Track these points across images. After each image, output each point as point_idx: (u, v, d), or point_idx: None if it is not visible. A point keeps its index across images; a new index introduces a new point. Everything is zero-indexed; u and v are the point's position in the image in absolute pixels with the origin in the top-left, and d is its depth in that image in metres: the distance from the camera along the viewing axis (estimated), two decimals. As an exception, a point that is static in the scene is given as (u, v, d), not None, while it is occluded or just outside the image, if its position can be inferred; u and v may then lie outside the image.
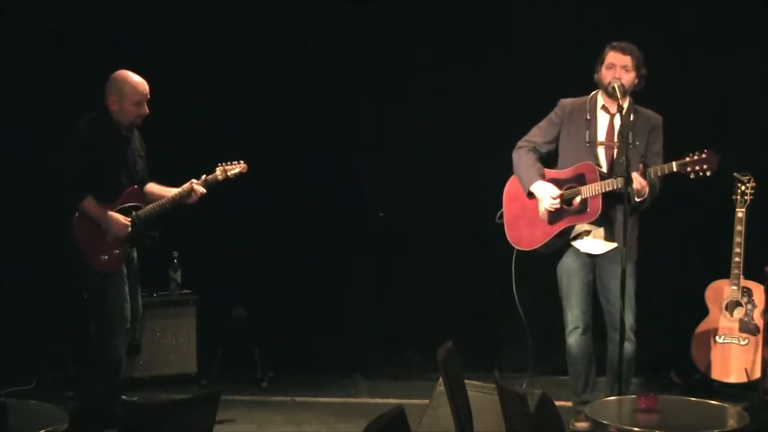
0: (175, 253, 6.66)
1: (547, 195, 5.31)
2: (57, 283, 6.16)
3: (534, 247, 5.44)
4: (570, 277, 5.40)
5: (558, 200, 5.29)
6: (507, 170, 5.59)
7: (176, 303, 6.63)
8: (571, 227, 5.35)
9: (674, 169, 5.04)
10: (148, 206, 5.54)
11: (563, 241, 5.39)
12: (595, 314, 5.50)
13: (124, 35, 6.64)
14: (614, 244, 5.28)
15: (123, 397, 5.67)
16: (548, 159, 5.50)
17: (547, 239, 5.38)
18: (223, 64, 6.87)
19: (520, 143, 5.50)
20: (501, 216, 5.56)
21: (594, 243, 5.35)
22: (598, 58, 5.33)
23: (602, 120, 5.34)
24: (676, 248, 6.21)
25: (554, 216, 5.34)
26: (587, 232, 5.35)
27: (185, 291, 6.67)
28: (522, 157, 5.46)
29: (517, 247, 5.49)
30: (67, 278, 5.62)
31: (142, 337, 6.41)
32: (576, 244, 5.38)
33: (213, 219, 6.70)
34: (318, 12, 6.81)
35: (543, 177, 5.37)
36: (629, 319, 5.26)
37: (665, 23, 6.43)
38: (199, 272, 6.73)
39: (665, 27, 6.41)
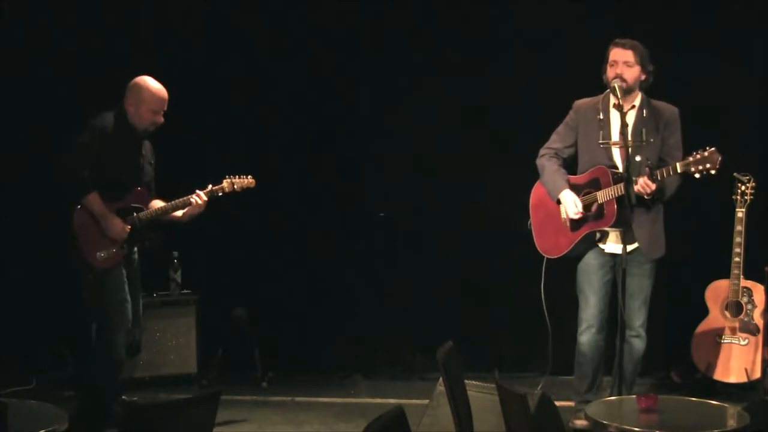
0: (175, 253, 6.67)
1: (571, 208, 5.27)
2: (57, 283, 6.16)
3: (560, 255, 5.40)
4: (589, 275, 5.36)
5: (580, 215, 5.25)
6: (507, 170, 5.58)
7: (176, 303, 6.63)
8: (594, 231, 5.32)
9: (678, 171, 4.98)
10: (150, 209, 5.55)
11: (586, 244, 5.34)
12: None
13: (125, 36, 6.66)
14: (635, 244, 5.25)
15: (123, 397, 5.68)
16: (571, 162, 5.46)
17: (571, 246, 5.34)
18: (222, 63, 6.88)
19: (542, 151, 5.46)
20: (530, 224, 5.52)
21: (617, 244, 5.30)
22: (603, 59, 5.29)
23: (615, 119, 5.26)
24: (676, 248, 6.19)
25: (575, 223, 5.31)
26: (609, 234, 5.32)
27: (185, 291, 6.68)
28: (545, 165, 5.42)
29: (546, 256, 5.44)
30: (67, 278, 5.62)
31: (142, 337, 6.40)
32: (600, 245, 5.34)
33: (213, 219, 6.69)
34: (318, 11, 6.81)
35: (568, 183, 5.34)
36: (641, 317, 5.28)
37: (665, 22, 6.42)
38: (199, 272, 6.73)
39: (665, 25, 6.40)
